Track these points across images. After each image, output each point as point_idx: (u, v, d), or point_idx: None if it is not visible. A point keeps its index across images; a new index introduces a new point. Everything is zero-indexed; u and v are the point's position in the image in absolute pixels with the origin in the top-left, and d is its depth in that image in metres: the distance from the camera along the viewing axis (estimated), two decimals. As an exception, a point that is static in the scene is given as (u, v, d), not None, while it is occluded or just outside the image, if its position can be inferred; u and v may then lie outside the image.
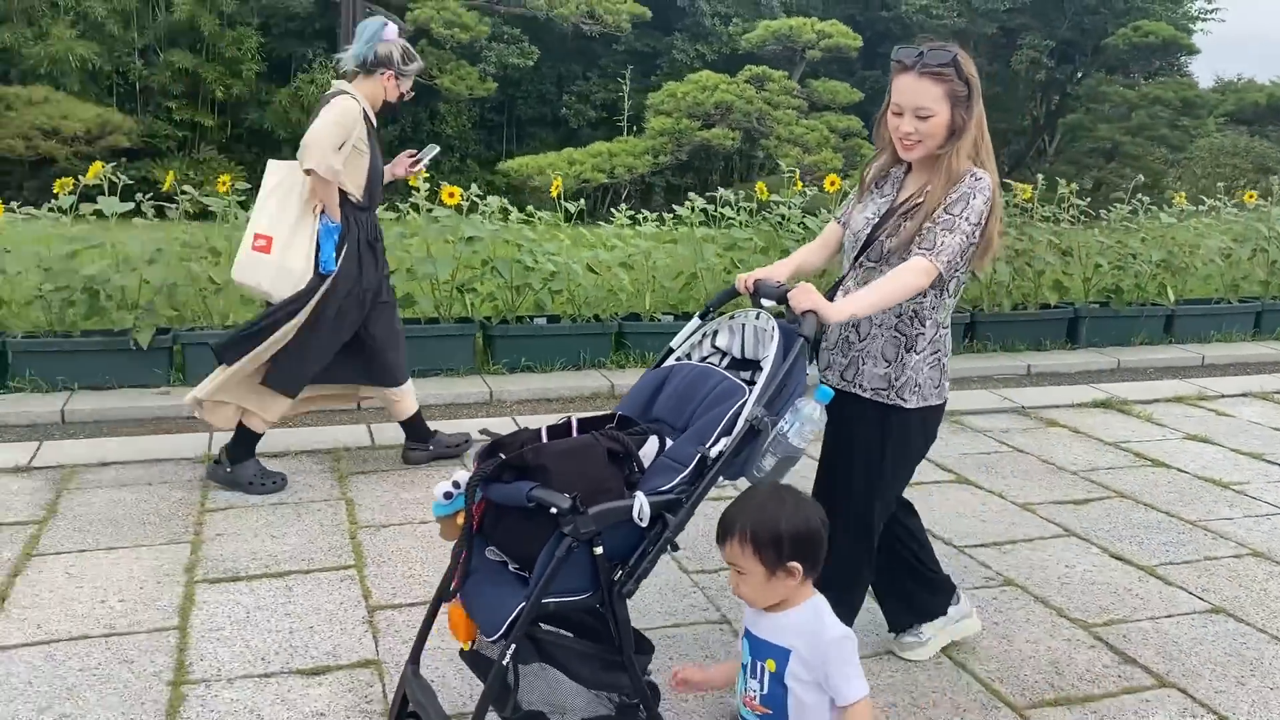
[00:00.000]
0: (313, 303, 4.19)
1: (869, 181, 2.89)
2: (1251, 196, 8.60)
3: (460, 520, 2.46)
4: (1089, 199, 8.19)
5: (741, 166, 16.75)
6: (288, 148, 20.71)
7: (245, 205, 6.02)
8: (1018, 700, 2.97)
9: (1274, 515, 4.46)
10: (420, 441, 4.82)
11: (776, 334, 2.51)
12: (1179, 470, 5.02)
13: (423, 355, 6.19)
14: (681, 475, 2.35)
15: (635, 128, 16.21)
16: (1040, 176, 7.88)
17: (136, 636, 3.22)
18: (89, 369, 5.72)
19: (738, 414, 2.40)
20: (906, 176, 2.81)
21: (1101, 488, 4.75)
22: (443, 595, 2.57)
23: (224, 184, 6.14)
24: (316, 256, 4.20)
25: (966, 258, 2.67)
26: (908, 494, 3.11)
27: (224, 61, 19.93)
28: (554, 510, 2.21)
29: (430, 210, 6.24)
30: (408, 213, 6.31)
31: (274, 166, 4.25)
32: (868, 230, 2.77)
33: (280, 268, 4.15)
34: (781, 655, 2.18)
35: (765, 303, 2.64)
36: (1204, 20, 22.99)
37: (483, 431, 2.58)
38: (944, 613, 3.17)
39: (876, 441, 2.81)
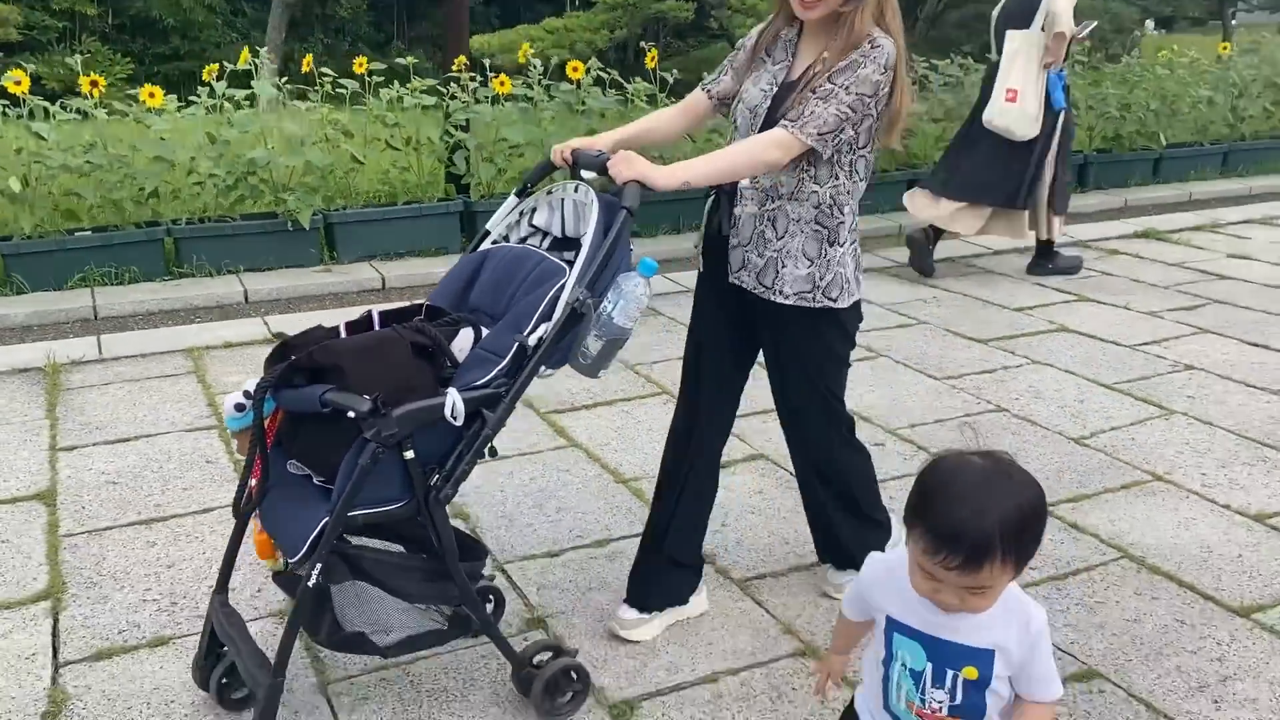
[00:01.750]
0: (1058, 135, 5.68)
1: (760, 47, 2.54)
2: (1225, 48, 9.69)
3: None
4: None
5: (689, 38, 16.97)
6: (175, 35, 19.75)
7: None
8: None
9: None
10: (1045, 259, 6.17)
11: (596, 207, 2.29)
12: (1244, 281, 6.02)
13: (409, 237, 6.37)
14: (499, 367, 2.16)
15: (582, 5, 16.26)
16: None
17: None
18: (249, 251, 5.92)
19: (557, 297, 2.21)
20: (800, 41, 2.48)
21: (1198, 297, 5.71)
22: (242, 515, 2.34)
23: (360, 65, 6.28)
24: (1047, 100, 5.58)
25: (862, 132, 2.39)
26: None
27: (103, -58, 18.73)
28: (353, 414, 2.00)
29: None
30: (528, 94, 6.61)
31: (1012, 35, 5.59)
32: (766, 104, 2.45)
33: (1022, 113, 5.54)
34: (986, 659, 1.62)
35: (585, 174, 2.40)
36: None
37: (276, 335, 2.39)
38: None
39: (819, 350, 2.58)
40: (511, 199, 2.57)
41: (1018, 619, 1.62)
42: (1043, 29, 5.52)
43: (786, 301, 2.48)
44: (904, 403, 4.22)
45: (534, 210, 2.54)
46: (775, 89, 2.45)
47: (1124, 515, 3.30)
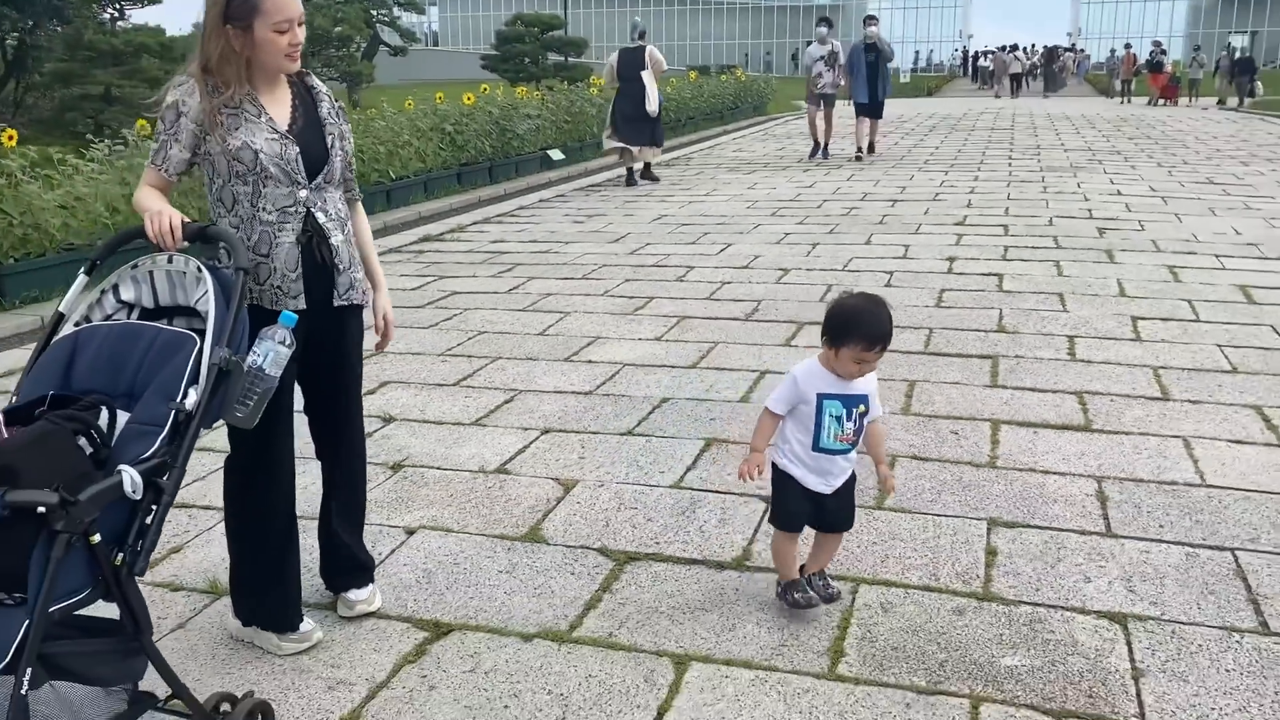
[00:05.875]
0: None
1: (224, 111, 2.65)
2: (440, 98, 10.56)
3: None
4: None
5: None
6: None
7: None
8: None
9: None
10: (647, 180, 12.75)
11: (205, 273, 2.40)
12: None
13: None
14: (161, 437, 2.21)
15: None
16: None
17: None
18: None
19: (199, 361, 2.28)
20: (257, 93, 2.70)
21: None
22: None
23: None
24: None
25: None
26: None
27: None
28: (43, 509, 1.95)
29: None
30: None
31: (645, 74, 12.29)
32: (312, 148, 2.75)
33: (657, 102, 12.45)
34: (866, 399, 2.94)
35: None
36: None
37: None
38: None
39: (361, 345, 3.02)
40: (81, 277, 2.54)
41: (870, 376, 2.97)
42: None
43: (355, 302, 2.92)
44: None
45: (116, 286, 2.54)
46: (294, 134, 2.75)
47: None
